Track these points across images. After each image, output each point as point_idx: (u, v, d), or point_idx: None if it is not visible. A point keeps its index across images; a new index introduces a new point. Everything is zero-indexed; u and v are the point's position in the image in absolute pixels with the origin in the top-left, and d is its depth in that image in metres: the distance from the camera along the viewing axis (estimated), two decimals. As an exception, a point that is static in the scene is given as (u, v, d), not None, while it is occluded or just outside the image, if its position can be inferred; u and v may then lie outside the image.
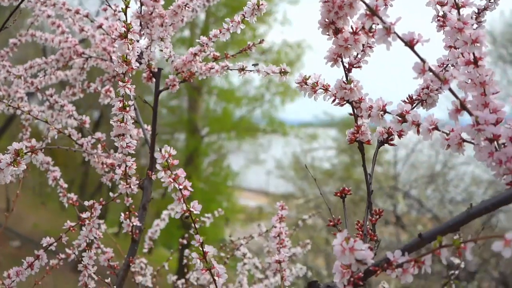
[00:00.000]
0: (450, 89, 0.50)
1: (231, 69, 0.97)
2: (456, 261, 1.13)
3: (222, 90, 11.63)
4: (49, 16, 1.18)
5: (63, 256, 1.13)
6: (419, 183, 6.73)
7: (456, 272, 1.09)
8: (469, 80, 0.55)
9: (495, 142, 0.51)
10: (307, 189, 9.23)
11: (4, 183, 0.68)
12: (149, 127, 1.09)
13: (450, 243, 0.46)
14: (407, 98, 0.67)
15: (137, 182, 0.90)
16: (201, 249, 0.63)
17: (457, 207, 6.30)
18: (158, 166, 0.61)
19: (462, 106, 0.51)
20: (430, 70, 0.50)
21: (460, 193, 7.38)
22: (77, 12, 1.08)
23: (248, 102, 11.86)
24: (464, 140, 0.53)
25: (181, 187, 0.61)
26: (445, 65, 0.67)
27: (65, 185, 1.08)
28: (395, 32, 0.50)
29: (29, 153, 0.67)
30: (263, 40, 1.00)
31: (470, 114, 0.51)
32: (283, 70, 0.83)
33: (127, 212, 0.95)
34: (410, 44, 0.50)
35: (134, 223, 0.96)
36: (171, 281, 1.35)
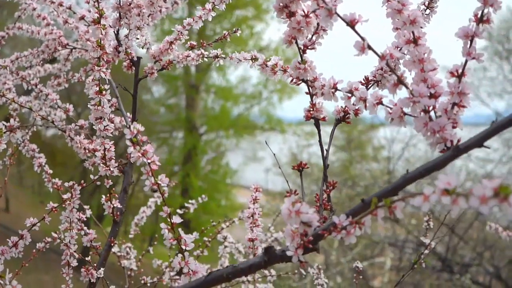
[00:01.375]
0: (387, 64, 0.55)
1: (206, 57, 1.01)
2: (426, 241, 1.18)
3: (220, 88, 11.68)
4: (34, 9, 1.22)
5: (49, 239, 1.17)
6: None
7: (426, 251, 1.14)
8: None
9: (431, 113, 0.56)
10: (305, 186, 9.27)
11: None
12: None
13: (383, 204, 0.51)
14: (363, 79, 0.72)
15: (116, 164, 0.95)
16: (169, 220, 0.68)
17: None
18: (127, 142, 0.65)
19: (399, 81, 0.56)
20: (369, 47, 0.54)
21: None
22: (60, 4, 1.12)
23: (246, 100, 11.92)
24: (405, 113, 0.58)
25: (149, 161, 0.66)
26: (399, 48, 0.72)
27: (50, 171, 1.12)
28: (336, 13, 0.54)
29: (8, 132, 0.71)
30: (238, 29, 1.05)
31: (407, 87, 0.55)
32: (253, 57, 0.88)
33: (108, 195, 0.99)
34: (351, 24, 0.54)
35: (115, 205, 1.00)
36: (156, 265, 1.40)
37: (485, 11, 0.55)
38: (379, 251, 6.64)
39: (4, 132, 0.69)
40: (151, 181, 0.67)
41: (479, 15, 0.55)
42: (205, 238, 1.34)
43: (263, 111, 11.62)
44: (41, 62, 1.23)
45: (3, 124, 0.70)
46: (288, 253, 0.58)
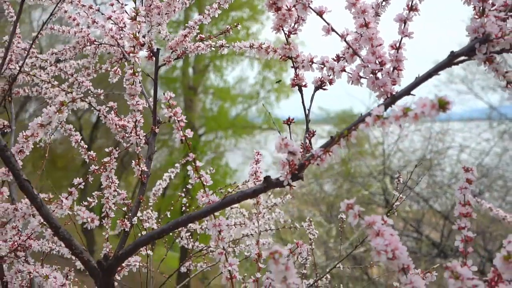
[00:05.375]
0: (345, 41, 0.78)
1: (213, 47, 1.25)
2: (395, 193, 1.41)
3: (218, 89, 11.91)
4: (66, 11, 1.46)
5: (86, 203, 1.40)
6: (408, 167, 7.05)
7: (397, 203, 1.36)
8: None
9: (379, 75, 0.79)
10: (305, 183, 9.54)
11: (52, 128, 0.95)
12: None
13: (343, 135, 0.74)
14: (335, 56, 0.95)
15: (145, 134, 1.18)
16: (193, 164, 0.91)
17: (443, 189, 6.62)
18: (163, 105, 0.88)
19: (354, 52, 0.79)
20: (333, 30, 0.78)
21: (451, 178, 7.69)
22: (90, 7, 1.36)
23: (244, 100, 12.15)
24: (360, 76, 0.81)
25: (179, 119, 0.89)
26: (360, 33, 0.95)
27: (85, 146, 1.36)
28: (309, 6, 0.78)
29: (71, 102, 0.94)
30: (238, 24, 1.28)
31: (359, 57, 0.79)
32: (251, 45, 1.11)
33: (137, 160, 1.23)
34: (319, 13, 0.78)
35: (143, 169, 1.24)
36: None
37: (414, 1, 0.79)
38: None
39: (68, 103, 0.92)
40: (180, 134, 0.90)
41: (410, 5, 0.79)
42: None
43: (260, 110, 11.85)
44: (73, 56, 1.46)
45: (67, 96, 0.93)
46: (281, 178, 0.81)
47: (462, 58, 0.72)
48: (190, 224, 1.65)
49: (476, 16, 0.72)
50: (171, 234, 1.70)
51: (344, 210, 0.68)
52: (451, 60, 0.72)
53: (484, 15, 0.71)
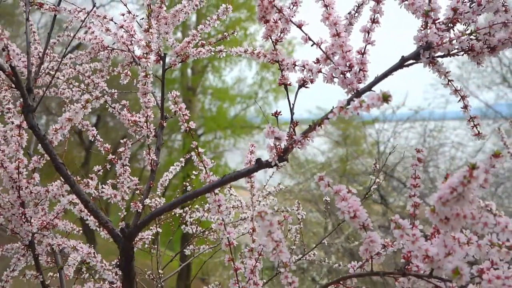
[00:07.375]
0: (320, 48, 0.97)
1: (213, 52, 1.44)
2: (371, 177, 1.60)
3: (216, 89, 12.09)
4: (82, 21, 1.64)
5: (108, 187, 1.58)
6: (402, 164, 7.24)
7: (374, 186, 1.55)
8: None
9: (348, 75, 0.98)
10: (302, 181, 9.74)
11: (77, 121, 1.14)
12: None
13: (318, 123, 0.92)
14: (315, 59, 1.14)
15: (155, 127, 1.37)
16: (197, 150, 1.10)
17: (438, 185, 6.82)
18: (170, 102, 1.07)
19: (327, 57, 0.98)
20: (309, 38, 0.97)
21: (445, 175, 7.88)
22: (104, 17, 1.54)
23: (242, 100, 12.34)
24: (333, 76, 1.00)
25: (183, 113, 1.08)
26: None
27: (101, 140, 1.54)
28: (291, 20, 0.96)
29: (94, 100, 1.13)
30: (234, 31, 1.47)
31: (331, 61, 0.97)
32: (246, 50, 1.30)
33: (147, 150, 1.41)
34: (299, 26, 0.96)
35: (153, 158, 1.42)
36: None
37: (375, 15, 0.98)
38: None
39: (91, 101, 1.11)
40: (185, 126, 1.09)
41: (372, 18, 0.98)
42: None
43: (259, 110, 12.04)
44: (89, 60, 1.65)
45: (90, 94, 1.11)
46: (269, 159, 1.00)
47: (411, 61, 0.91)
48: (194, 213, 1.83)
49: (421, 28, 0.90)
50: (177, 215, 1.88)
51: (317, 181, 0.86)
52: (402, 63, 0.90)
53: (428, 27, 0.89)
